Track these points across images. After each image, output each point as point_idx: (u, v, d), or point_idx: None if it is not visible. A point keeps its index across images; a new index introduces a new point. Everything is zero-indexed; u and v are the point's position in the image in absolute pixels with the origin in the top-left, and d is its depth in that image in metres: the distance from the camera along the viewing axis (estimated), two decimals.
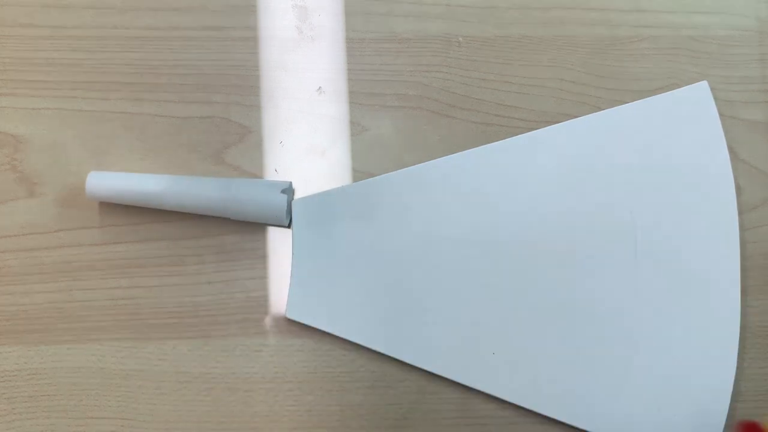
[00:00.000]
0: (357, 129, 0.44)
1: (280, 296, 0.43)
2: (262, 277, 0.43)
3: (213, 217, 0.43)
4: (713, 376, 0.42)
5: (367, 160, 0.44)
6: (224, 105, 0.44)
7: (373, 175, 0.44)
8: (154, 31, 0.44)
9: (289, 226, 0.43)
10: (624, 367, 0.41)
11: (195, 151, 0.44)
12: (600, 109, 0.45)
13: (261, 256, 0.43)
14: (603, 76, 0.46)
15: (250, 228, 0.43)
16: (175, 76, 0.44)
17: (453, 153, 0.44)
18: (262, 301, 0.43)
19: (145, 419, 0.42)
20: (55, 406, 0.42)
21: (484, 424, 0.42)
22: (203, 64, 0.44)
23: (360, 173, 0.44)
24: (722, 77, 0.46)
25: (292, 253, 0.43)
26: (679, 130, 0.44)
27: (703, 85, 0.44)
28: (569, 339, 0.42)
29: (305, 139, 0.44)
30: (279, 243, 0.43)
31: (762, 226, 0.45)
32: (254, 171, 0.44)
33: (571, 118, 0.44)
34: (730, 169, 0.43)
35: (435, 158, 0.44)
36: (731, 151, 0.44)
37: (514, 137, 0.44)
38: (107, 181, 0.42)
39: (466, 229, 0.43)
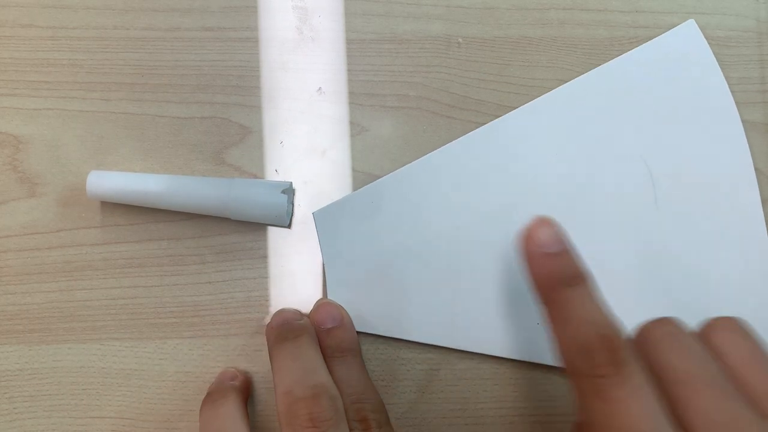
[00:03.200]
0: (357, 129, 0.44)
1: (280, 296, 0.43)
2: (263, 277, 0.43)
3: (213, 217, 0.43)
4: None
5: (367, 161, 0.44)
6: (225, 105, 0.44)
7: (373, 176, 0.44)
8: (155, 31, 0.45)
9: (289, 227, 0.43)
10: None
11: (195, 151, 0.44)
12: None
13: (261, 256, 0.43)
14: None
15: (251, 228, 0.43)
16: (175, 77, 0.44)
17: None
18: (262, 301, 0.43)
19: (145, 419, 0.42)
20: (56, 405, 0.42)
21: (483, 423, 0.42)
22: (204, 64, 0.44)
23: (360, 173, 0.44)
24: None
25: (324, 267, 0.43)
26: (676, 70, 0.44)
27: (691, 23, 0.45)
28: None
29: (305, 140, 0.44)
30: (279, 243, 0.43)
31: None
32: (254, 171, 0.44)
33: None
34: (733, 102, 0.44)
35: None
36: None
37: (515, 110, 0.44)
38: (108, 181, 0.42)
39: (484, 211, 0.42)
